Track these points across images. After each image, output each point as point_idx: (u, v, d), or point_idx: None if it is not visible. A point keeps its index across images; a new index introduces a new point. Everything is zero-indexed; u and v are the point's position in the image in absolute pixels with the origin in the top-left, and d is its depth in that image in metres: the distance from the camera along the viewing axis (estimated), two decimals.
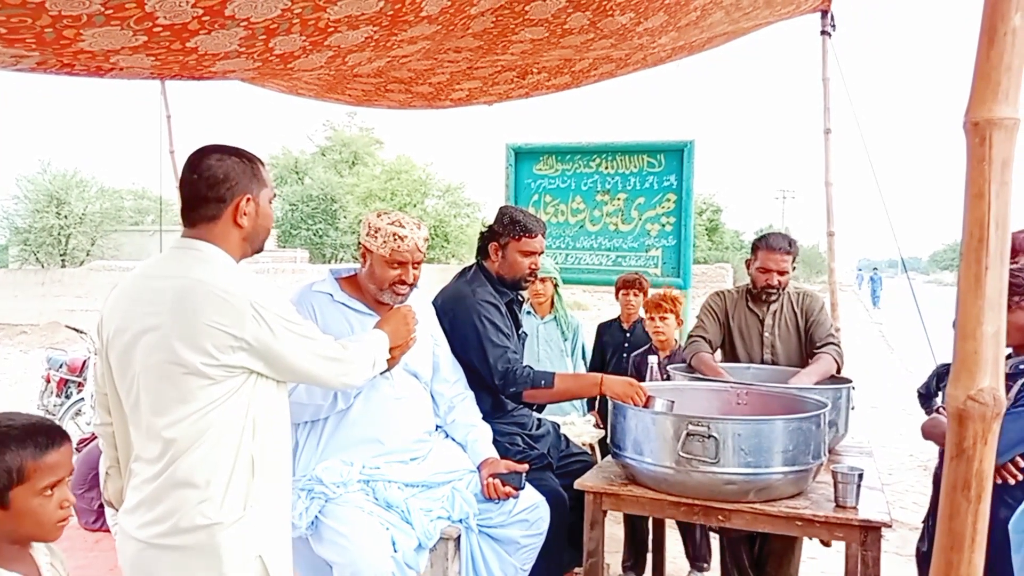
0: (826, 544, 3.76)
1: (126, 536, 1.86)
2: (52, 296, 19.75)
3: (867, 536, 2.37)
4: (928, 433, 2.97)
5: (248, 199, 1.94)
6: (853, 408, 3.24)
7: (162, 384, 1.81)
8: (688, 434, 2.40)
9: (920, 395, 3.92)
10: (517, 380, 2.95)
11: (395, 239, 2.57)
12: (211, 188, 1.90)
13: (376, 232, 2.59)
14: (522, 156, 5.77)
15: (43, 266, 23.01)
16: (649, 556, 3.90)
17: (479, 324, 2.95)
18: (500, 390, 2.98)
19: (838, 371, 3.50)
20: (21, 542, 1.59)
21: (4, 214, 24.40)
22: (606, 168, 5.59)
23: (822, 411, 2.55)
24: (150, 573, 1.82)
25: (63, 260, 23.52)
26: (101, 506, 3.89)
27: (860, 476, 2.45)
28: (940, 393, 3.86)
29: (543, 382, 2.96)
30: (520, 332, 3.23)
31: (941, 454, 3.43)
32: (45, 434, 1.56)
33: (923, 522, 3.74)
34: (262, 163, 2.02)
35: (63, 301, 19.22)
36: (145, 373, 1.83)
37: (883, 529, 2.37)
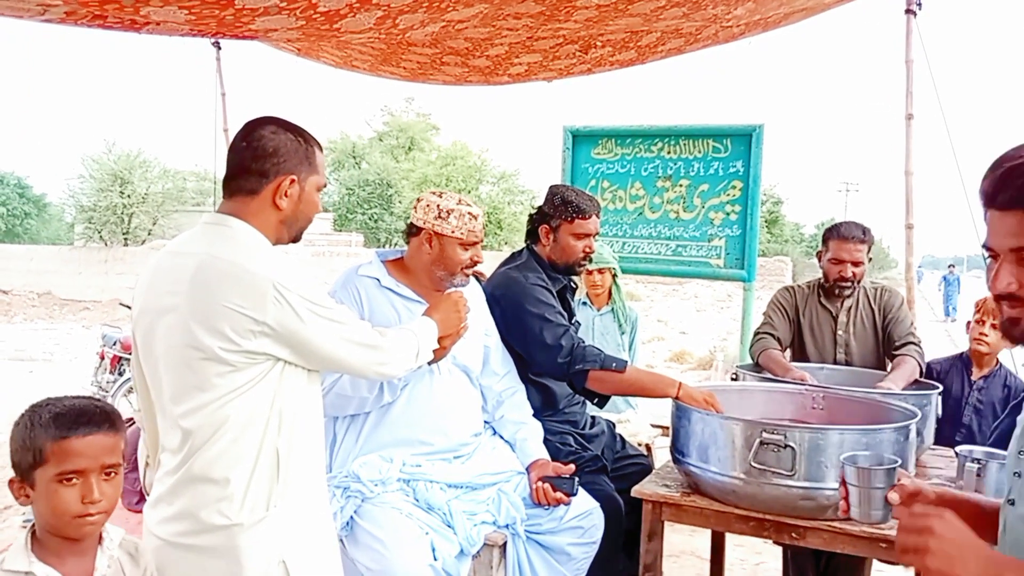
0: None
1: (148, 532, 1.75)
2: (114, 274, 20.34)
3: None
4: None
5: (292, 180, 1.78)
6: (939, 416, 2.95)
7: (180, 369, 1.67)
8: (761, 443, 2.16)
9: None
10: (586, 357, 2.68)
11: (470, 219, 2.47)
12: (256, 160, 1.76)
13: (448, 214, 2.45)
14: (580, 139, 5.55)
15: (106, 244, 23.59)
16: None
17: (534, 306, 2.74)
18: (565, 370, 2.70)
19: (921, 374, 3.22)
20: (59, 534, 1.46)
21: (70, 192, 25.11)
22: (668, 153, 5.34)
23: (912, 421, 2.29)
24: (168, 573, 1.69)
25: (125, 239, 24.08)
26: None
27: None
28: None
29: (614, 365, 2.69)
30: (573, 322, 3.00)
31: None
32: (75, 419, 1.44)
33: None
34: (320, 147, 1.88)
35: (124, 279, 19.74)
36: (165, 356, 1.70)
37: None
